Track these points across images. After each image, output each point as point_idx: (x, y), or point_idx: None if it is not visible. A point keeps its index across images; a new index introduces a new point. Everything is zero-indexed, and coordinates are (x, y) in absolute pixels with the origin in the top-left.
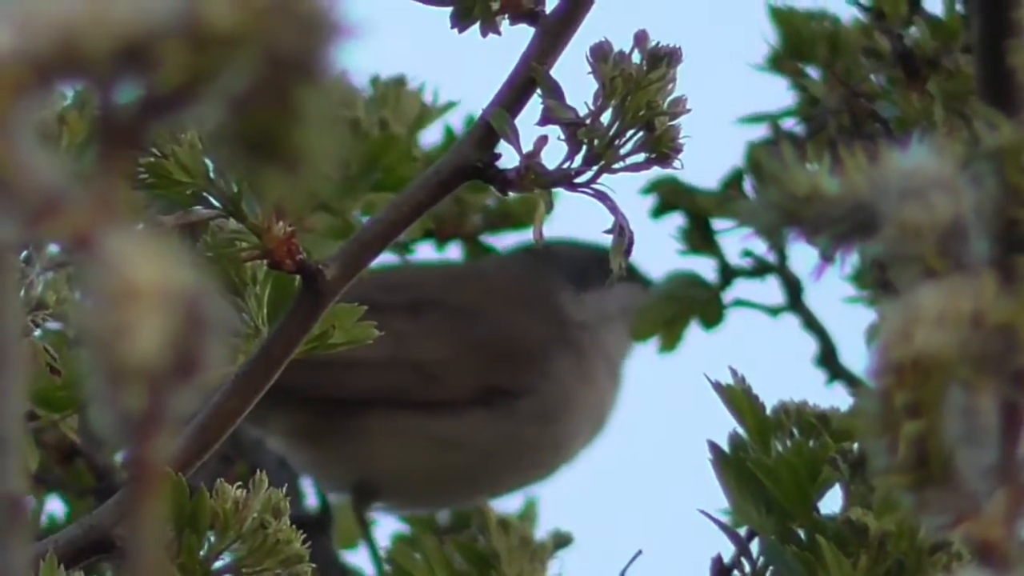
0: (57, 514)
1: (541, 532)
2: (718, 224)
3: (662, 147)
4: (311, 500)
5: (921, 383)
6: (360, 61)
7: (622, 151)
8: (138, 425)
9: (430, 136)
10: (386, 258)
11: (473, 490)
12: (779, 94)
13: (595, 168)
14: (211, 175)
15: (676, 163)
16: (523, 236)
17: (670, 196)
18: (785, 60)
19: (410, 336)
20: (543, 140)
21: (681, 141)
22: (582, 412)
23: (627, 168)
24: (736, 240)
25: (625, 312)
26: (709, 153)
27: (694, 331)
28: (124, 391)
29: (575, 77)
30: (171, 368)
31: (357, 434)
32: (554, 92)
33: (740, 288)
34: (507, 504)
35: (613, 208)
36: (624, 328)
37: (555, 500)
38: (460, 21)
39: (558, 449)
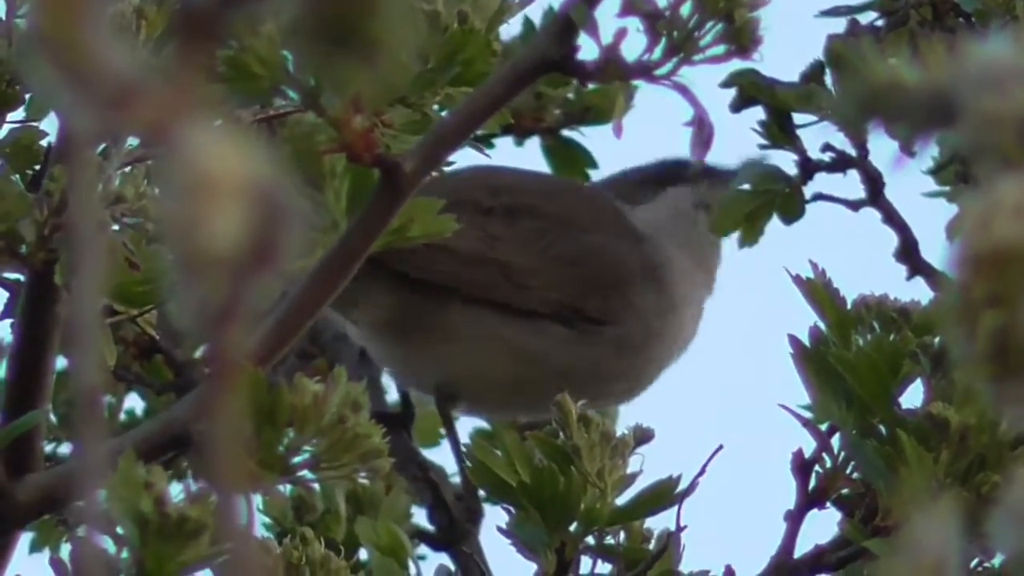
0: (136, 410)
1: (622, 427)
2: (798, 118)
3: (742, 39)
4: (391, 396)
5: (1000, 274)
6: None
7: (702, 43)
8: (216, 316)
9: (510, 30)
10: (465, 152)
11: (546, 403)
12: None
13: (675, 60)
14: (289, 68)
15: (756, 55)
16: (603, 129)
17: (750, 89)
18: None
19: (504, 240)
20: (622, 32)
21: (761, 33)
22: (662, 342)
23: (707, 60)
24: (817, 134)
25: (684, 217)
26: (789, 46)
27: (775, 225)
28: (202, 282)
29: None
30: (249, 259)
31: (440, 333)
32: None
33: (821, 182)
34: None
35: (693, 101)
36: (690, 236)
37: None
38: None
39: (637, 377)
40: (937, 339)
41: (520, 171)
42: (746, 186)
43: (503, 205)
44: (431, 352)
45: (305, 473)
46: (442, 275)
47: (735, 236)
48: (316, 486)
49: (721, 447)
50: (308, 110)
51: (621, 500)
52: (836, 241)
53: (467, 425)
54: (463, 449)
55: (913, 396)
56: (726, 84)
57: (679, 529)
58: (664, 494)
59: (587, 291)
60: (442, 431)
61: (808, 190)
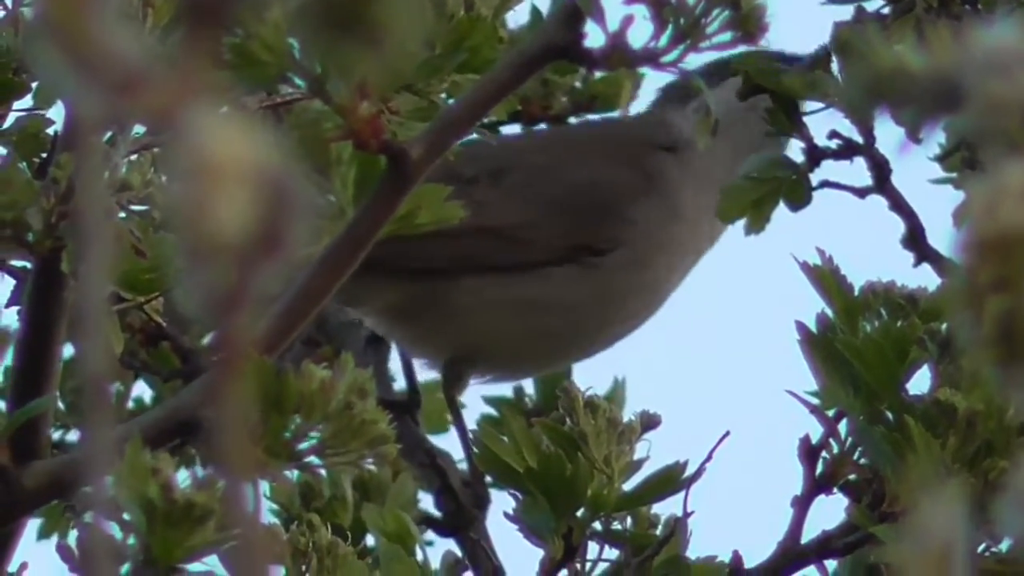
0: (144, 397)
1: (629, 413)
2: (805, 105)
3: (748, 26)
4: (398, 383)
5: (1006, 258)
6: None
7: (708, 30)
8: (223, 303)
9: (516, 17)
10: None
11: (570, 350)
12: None
13: (681, 47)
14: (296, 55)
15: (762, 42)
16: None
17: (756, 77)
18: None
19: (492, 203)
20: (629, 19)
21: (767, 20)
22: (674, 252)
23: (713, 47)
24: (823, 121)
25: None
26: (795, 33)
27: (781, 212)
28: (209, 269)
29: None
30: (255, 246)
31: (448, 309)
32: None
33: (827, 169)
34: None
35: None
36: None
37: (643, 381)
38: None
39: (653, 294)
40: (944, 325)
41: (514, 134)
42: (753, 173)
43: (485, 170)
44: (443, 328)
45: (312, 459)
46: (442, 259)
47: (741, 223)
48: (323, 472)
49: (728, 433)
50: (314, 97)
51: (628, 486)
52: (843, 228)
53: (474, 412)
54: (470, 435)
55: (920, 382)
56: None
57: (686, 515)
58: (671, 480)
59: (587, 225)
60: (449, 417)
61: (815, 177)
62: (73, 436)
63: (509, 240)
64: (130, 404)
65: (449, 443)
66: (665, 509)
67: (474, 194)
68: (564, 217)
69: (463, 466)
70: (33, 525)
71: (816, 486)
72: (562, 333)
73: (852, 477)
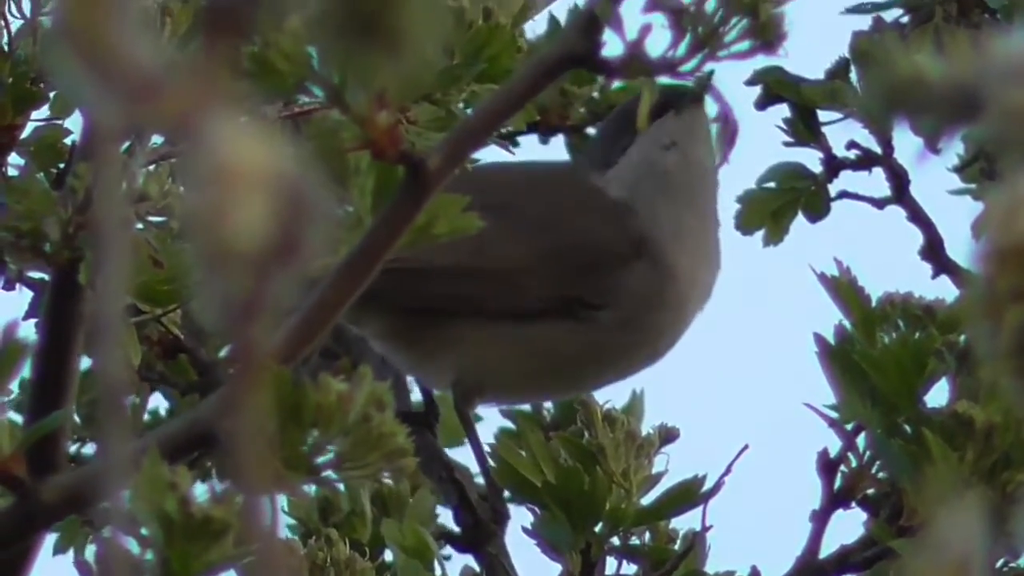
0: (160, 410)
1: (647, 427)
2: (824, 115)
3: (767, 34)
4: (416, 395)
5: None
6: None
7: (726, 39)
8: (240, 314)
9: (535, 27)
10: (490, 149)
11: (570, 387)
12: None
13: (699, 56)
14: (314, 64)
15: (781, 51)
16: None
17: (775, 86)
18: None
19: (494, 243)
20: (647, 28)
21: (786, 29)
22: (667, 311)
23: (731, 56)
24: (842, 131)
25: (655, 169)
26: (815, 44)
27: (800, 223)
28: (226, 279)
29: None
30: (273, 256)
31: (448, 340)
32: None
33: (846, 179)
34: (613, 399)
35: (718, 97)
36: (669, 186)
37: (661, 394)
38: None
39: (647, 352)
40: (962, 337)
41: (498, 165)
42: (771, 184)
43: (483, 205)
44: (443, 357)
45: (330, 473)
46: (441, 299)
47: (760, 234)
48: (341, 486)
49: (746, 447)
50: (333, 106)
51: (646, 500)
52: (861, 239)
53: (492, 425)
54: (487, 449)
55: (938, 394)
56: (751, 82)
57: (704, 529)
58: (689, 494)
59: (580, 279)
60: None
61: (833, 188)
62: (90, 449)
63: (506, 284)
64: (147, 417)
65: (467, 457)
66: (683, 523)
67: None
68: (558, 269)
69: (481, 480)
70: (50, 539)
71: (834, 500)
72: (562, 375)
73: (870, 491)
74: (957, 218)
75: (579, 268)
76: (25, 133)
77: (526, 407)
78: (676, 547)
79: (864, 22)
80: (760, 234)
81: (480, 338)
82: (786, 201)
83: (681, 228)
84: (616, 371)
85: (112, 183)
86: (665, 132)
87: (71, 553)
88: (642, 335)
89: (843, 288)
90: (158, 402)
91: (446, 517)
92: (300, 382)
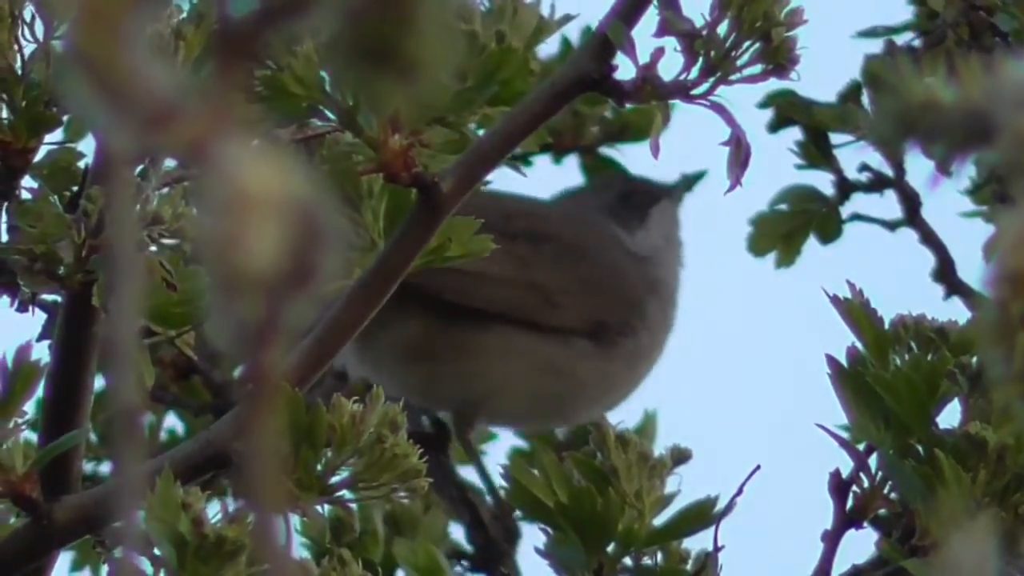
0: (175, 431)
1: (660, 448)
2: (836, 138)
3: (779, 58)
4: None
5: None
6: None
7: (739, 62)
8: (253, 336)
9: (547, 49)
10: (503, 171)
11: (561, 416)
12: (897, 7)
13: (712, 79)
14: (327, 88)
15: (793, 74)
16: (641, 147)
17: (787, 109)
18: None
19: (533, 261)
20: (660, 52)
21: (798, 52)
22: (660, 354)
23: (744, 79)
24: (854, 154)
25: (673, 238)
26: (826, 67)
27: (812, 245)
28: (239, 302)
29: None
30: (286, 279)
31: (472, 350)
32: (670, 3)
33: (858, 202)
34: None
35: (730, 120)
36: (676, 254)
37: (674, 415)
38: None
39: (635, 386)
40: (975, 359)
41: (517, 196)
42: (783, 206)
43: (521, 230)
44: (459, 368)
45: (343, 493)
46: (483, 300)
47: (772, 256)
48: (354, 506)
49: (759, 467)
50: (346, 130)
51: (659, 520)
52: (873, 261)
53: (505, 445)
54: (488, 472)
55: (950, 416)
56: (764, 105)
57: (717, 549)
58: (702, 514)
59: (613, 308)
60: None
61: (845, 210)
62: (105, 468)
63: (550, 302)
64: (162, 438)
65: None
66: (696, 544)
67: (516, 250)
68: (596, 294)
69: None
70: (64, 559)
71: (846, 520)
72: (565, 401)
73: (882, 511)
74: (969, 240)
75: (614, 296)
76: (39, 156)
77: None
78: (688, 567)
79: (876, 46)
80: (772, 256)
81: (504, 349)
82: (798, 224)
83: (675, 289)
84: (610, 400)
85: (125, 206)
86: (669, 216)
87: (86, 573)
88: (639, 370)
89: (855, 310)
90: (172, 423)
91: (459, 536)
92: (313, 403)
